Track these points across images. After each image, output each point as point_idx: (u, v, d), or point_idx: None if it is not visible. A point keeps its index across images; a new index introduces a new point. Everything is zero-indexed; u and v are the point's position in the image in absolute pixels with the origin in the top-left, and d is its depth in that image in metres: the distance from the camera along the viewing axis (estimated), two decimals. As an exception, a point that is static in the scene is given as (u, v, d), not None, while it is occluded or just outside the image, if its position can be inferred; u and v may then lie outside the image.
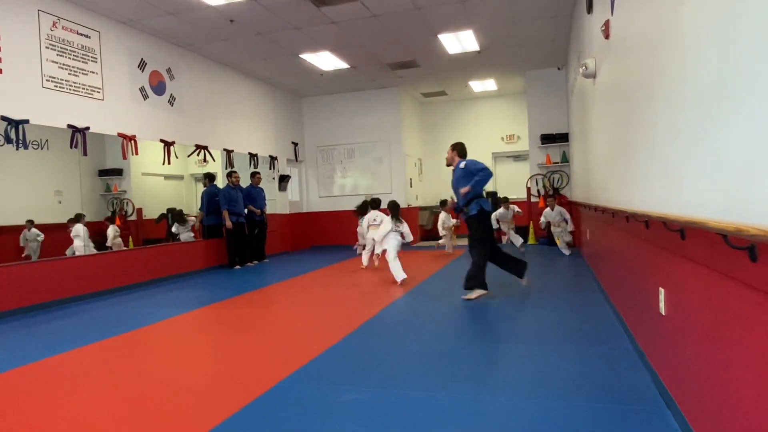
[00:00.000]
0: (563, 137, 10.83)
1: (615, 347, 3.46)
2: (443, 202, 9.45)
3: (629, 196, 3.37)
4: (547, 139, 11.04)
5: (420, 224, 13.08)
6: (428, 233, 13.38)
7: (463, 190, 5.27)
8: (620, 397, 2.63)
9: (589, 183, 6.57)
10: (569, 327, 4.09)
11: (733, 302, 1.65)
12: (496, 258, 5.51)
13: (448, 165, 5.64)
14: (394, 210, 6.78)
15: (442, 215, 9.53)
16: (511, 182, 13.29)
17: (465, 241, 8.92)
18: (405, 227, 6.71)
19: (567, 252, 8.76)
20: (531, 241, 10.89)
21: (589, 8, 5.39)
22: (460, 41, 8.81)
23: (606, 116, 4.54)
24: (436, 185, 14.09)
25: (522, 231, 10.76)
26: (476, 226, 5.29)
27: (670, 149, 2.27)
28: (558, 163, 11.05)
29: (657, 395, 2.60)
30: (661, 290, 2.56)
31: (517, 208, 9.69)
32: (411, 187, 12.65)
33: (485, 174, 5.22)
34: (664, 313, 2.53)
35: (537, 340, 3.80)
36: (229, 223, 8.60)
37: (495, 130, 13.60)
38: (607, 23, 4.09)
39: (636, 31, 3.01)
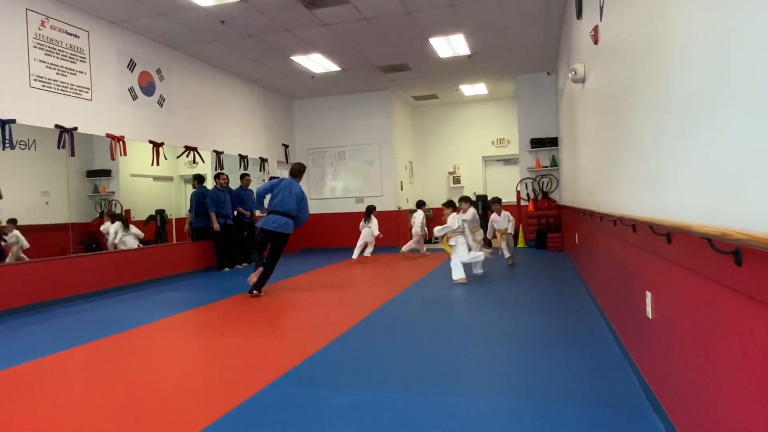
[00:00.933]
0: (553, 141, 10.90)
1: (602, 351, 3.47)
2: (493, 199, 8.51)
3: (617, 201, 3.39)
4: (537, 143, 11.11)
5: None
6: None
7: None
8: (607, 401, 2.64)
9: (577, 187, 6.62)
10: (557, 330, 4.10)
11: (718, 306, 1.66)
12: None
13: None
14: (367, 212, 9.73)
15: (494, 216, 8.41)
16: (501, 186, 13.34)
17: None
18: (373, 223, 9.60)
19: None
20: (520, 244, 10.93)
21: (579, 14, 5.43)
22: (451, 45, 8.84)
23: (595, 121, 4.57)
24: (426, 188, 14.12)
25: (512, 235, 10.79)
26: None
27: (657, 154, 2.28)
28: (548, 167, 11.12)
29: (644, 399, 2.62)
30: (648, 294, 2.58)
31: (421, 217, 9.80)
32: (401, 190, 12.66)
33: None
34: (651, 317, 2.54)
35: (525, 343, 3.81)
36: (216, 225, 8.55)
37: (485, 133, 13.65)
38: (596, 29, 4.12)
39: (624, 37, 3.04)
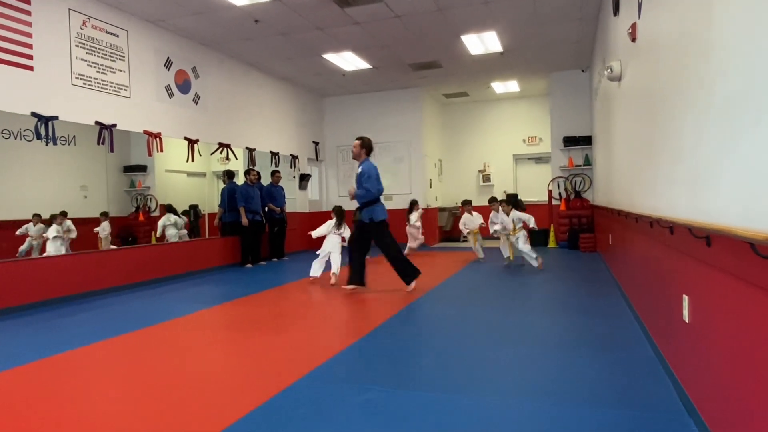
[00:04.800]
0: (586, 140, 10.70)
1: (637, 354, 3.41)
2: (466, 202, 9.01)
3: (654, 202, 3.32)
4: (570, 141, 10.93)
5: (439, 225, 13.05)
6: (447, 234, 13.36)
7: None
8: (641, 404, 2.60)
9: (612, 187, 6.49)
10: (590, 332, 4.04)
11: (760, 312, 1.62)
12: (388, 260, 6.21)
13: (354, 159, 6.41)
14: (339, 215, 7.42)
15: (465, 215, 8.96)
16: (532, 185, 13.18)
17: (491, 243, 8.80)
18: (346, 231, 7.45)
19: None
20: (551, 244, 10.79)
21: (616, 10, 5.32)
22: (483, 42, 8.76)
23: (631, 120, 4.48)
24: (455, 186, 14.04)
25: (543, 234, 10.65)
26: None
27: (696, 155, 2.23)
28: (580, 166, 10.94)
29: (678, 402, 2.57)
30: (685, 297, 2.52)
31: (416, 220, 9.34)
32: (430, 188, 12.63)
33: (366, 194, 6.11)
34: (687, 321, 2.49)
35: (558, 344, 3.77)
36: (245, 220, 8.65)
37: (517, 131, 13.50)
38: (633, 26, 4.04)
39: (664, 35, 2.97)
